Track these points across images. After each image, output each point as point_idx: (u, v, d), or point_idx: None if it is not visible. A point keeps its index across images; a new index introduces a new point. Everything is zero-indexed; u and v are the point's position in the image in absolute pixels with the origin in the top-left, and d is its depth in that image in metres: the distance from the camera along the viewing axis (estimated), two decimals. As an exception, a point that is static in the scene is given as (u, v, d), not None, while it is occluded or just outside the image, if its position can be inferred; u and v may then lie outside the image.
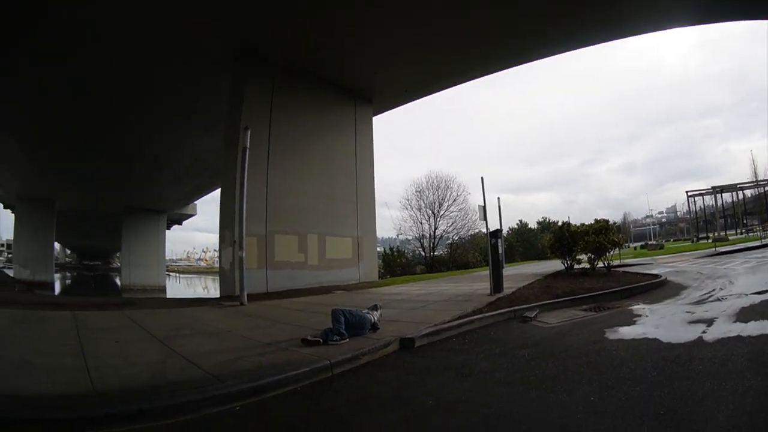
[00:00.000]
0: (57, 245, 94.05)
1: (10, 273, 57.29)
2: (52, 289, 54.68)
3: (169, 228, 74.77)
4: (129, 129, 32.84)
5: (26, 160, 40.87)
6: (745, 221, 78.06)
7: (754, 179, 75.43)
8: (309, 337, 8.26)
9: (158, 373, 6.07)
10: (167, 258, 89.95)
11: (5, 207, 65.01)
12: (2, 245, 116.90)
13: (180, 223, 79.73)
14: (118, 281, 79.55)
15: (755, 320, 7.59)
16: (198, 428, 4.76)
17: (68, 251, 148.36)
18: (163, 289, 65.58)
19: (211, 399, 5.28)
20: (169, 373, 6.14)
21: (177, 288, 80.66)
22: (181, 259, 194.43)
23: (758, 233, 43.44)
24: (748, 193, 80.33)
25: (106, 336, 8.64)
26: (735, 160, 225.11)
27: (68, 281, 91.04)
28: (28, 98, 27.03)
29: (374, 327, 9.27)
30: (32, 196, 54.21)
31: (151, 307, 14.15)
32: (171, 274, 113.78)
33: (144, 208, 64.54)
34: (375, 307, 9.96)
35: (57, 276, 76.08)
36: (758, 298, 9.65)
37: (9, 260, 78.96)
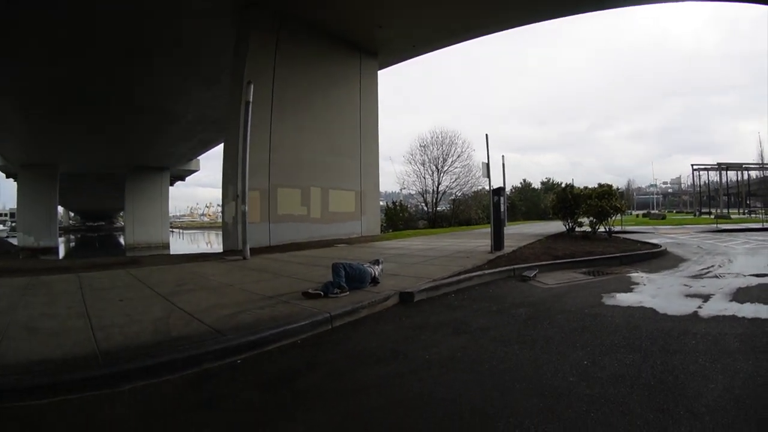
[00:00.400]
0: (60, 209, 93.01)
1: (14, 242, 57.00)
2: (57, 253, 54.52)
3: (172, 185, 74.34)
4: (133, 83, 32.33)
5: (28, 126, 40.55)
6: (748, 202, 77.85)
7: (760, 161, 75.12)
8: (310, 290, 8.33)
9: (161, 330, 6.15)
10: (171, 215, 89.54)
11: (8, 176, 64.52)
12: (5, 214, 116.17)
13: (183, 179, 79.30)
14: (122, 240, 79.83)
15: (751, 302, 7.60)
16: (199, 382, 4.81)
17: (72, 214, 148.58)
18: (167, 246, 65.51)
19: (212, 353, 5.38)
20: (172, 328, 6.21)
21: (181, 244, 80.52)
22: (184, 215, 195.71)
23: (760, 215, 43.21)
24: (753, 174, 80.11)
25: (110, 295, 8.67)
26: (742, 140, 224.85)
27: (72, 244, 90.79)
28: (30, 54, 26.51)
29: (374, 281, 9.36)
30: (35, 162, 53.73)
31: (155, 264, 14.10)
32: (175, 230, 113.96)
33: (147, 165, 64.15)
34: (376, 262, 10.04)
35: (61, 240, 75.82)
36: (755, 281, 9.64)
37: (13, 228, 78.22)
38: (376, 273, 9.55)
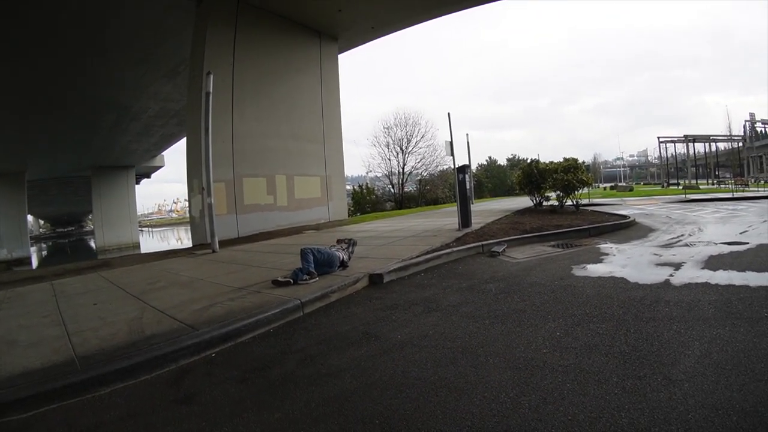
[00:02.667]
0: (30, 217, 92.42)
1: None
2: (30, 263, 53.54)
3: (138, 183, 74.36)
4: (91, 81, 32.00)
5: None
6: (717, 173, 78.99)
7: (728, 133, 76.34)
8: (279, 278, 8.30)
9: (135, 330, 6.08)
10: (139, 213, 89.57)
11: None
12: None
13: (149, 177, 79.58)
14: (93, 244, 79.10)
15: (723, 269, 7.58)
16: (176, 379, 4.76)
17: (41, 222, 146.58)
18: (138, 246, 65.44)
19: (186, 349, 5.33)
20: (146, 327, 6.15)
21: (151, 243, 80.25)
22: (153, 213, 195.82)
23: (730, 186, 43.78)
24: (722, 146, 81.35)
25: (84, 300, 8.54)
26: (708, 113, 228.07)
27: (44, 253, 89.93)
28: None
29: (343, 264, 9.34)
30: (1, 171, 53.08)
31: (126, 265, 13.93)
32: (144, 229, 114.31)
33: (112, 165, 63.90)
34: (350, 243, 10.08)
35: (33, 249, 75.20)
36: (727, 248, 9.64)
37: None
38: (345, 257, 9.51)
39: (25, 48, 25.42)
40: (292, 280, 8.19)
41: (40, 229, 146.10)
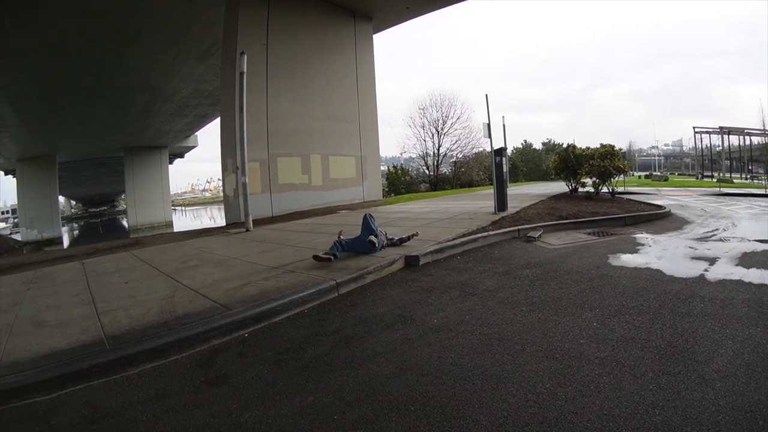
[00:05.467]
0: (61, 198, 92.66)
1: (18, 237, 57.17)
2: (61, 243, 54.59)
3: (171, 163, 74.64)
4: (125, 63, 32.11)
5: (19, 118, 40.45)
6: (750, 167, 77.56)
7: (762, 127, 74.95)
8: (321, 254, 8.35)
9: (167, 308, 6.16)
10: (172, 193, 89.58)
11: (6, 173, 65.22)
12: (7, 211, 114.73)
13: (182, 156, 79.72)
14: (125, 223, 79.50)
15: (757, 268, 7.50)
16: (207, 360, 4.83)
17: (73, 202, 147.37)
18: (171, 225, 65.99)
19: (218, 329, 5.41)
20: (178, 306, 6.22)
21: (184, 221, 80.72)
22: (186, 192, 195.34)
23: (763, 181, 42.98)
24: (756, 140, 79.86)
25: (115, 279, 8.66)
26: (742, 104, 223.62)
27: (76, 232, 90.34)
28: (19, 47, 26.54)
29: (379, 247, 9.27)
30: (32, 155, 54.02)
31: (159, 243, 14.07)
32: (177, 208, 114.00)
33: (145, 146, 64.37)
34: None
35: (65, 229, 75.83)
36: (760, 246, 9.50)
37: (15, 224, 77.75)
38: (384, 240, 9.53)
39: (53, 35, 25.71)
40: (332, 257, 8.27)
41: (72, 210, 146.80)
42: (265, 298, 6.30)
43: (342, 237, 9.21)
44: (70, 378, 4.37)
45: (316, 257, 8.30)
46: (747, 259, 8.23)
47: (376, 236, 8.78)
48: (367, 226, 8.84)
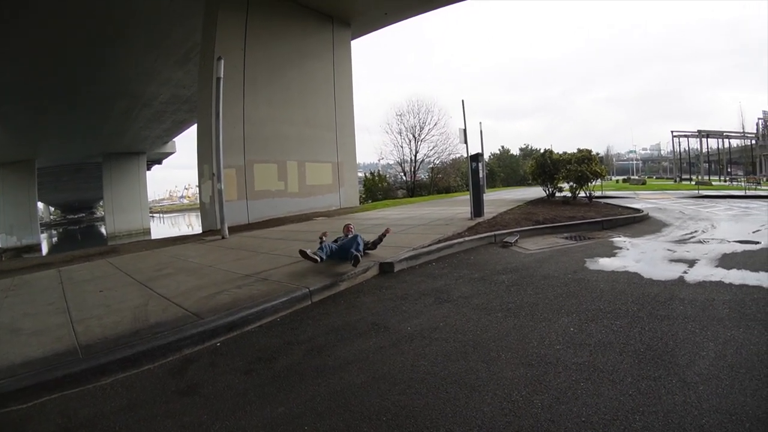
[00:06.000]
0: (40, 204, 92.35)
1: None
2: (40, 250, 53.95)
3: (149, 169, 74.21)
4: (103, 68, 31.91)
5: (1, 121, 39.96)
6: (729, 170, 78.72)
7: (742, 130, 76.04)
8: (308, 252, 8.21)
9: (140, 317, 6.06)
10: (150, 199, 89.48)
11: None
12: None
13: (160, 163, 79.47)
14: (103, 230, 79.14)
15: (737, 269, 7.49)
16: (179, 370, 4.73)
17: (52, 209, 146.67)
18: (148, 232, 65.70)
19: (190, 338, 5.31)
20: (151, 315, 6.12)
21: (162, 228, 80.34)
22: (163, 199, 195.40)
23: (742, 183, 43.49)
24: (734, 143, 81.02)
25: (90, 287, 8.52)
26: (721, 109, 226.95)
27: (55, 239, 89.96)
28: None
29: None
30: (11, 160, 52.95)
31: (134, 251, 13.93)
32: (155, 215, 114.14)
33: (123, 152, 63.90)
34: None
35: (44, 236, 75.45)
36: (740, 247, 9.55)
37: None
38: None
39: (35, 38, 25.45)
40: (319, 259, 8.16)
41: (51, 216, 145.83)
42: (237, 306, 6.20)
43: (325, 239, 9.18)
44: (45, 387, 4.32)
45: (302, 253, 8.20)
46: (727, 260, 8.22)
47: (361, 255, 8.60)
48: (357, 241, 8.67)
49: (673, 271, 7.45)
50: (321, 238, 9.34)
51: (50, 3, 21.94)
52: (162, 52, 30.69)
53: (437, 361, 4.40)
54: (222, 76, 15.62)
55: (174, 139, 67.23)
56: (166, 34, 27.79)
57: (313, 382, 4.16)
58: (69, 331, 5.67)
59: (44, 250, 57.32)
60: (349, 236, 9.02)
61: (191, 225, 74.23)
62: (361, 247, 8.52)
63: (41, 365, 4.62)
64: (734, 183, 52.08)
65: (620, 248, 10.04)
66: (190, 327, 5.47)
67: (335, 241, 9.01)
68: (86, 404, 4.08)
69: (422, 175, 54.59)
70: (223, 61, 15.80)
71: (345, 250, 8.47)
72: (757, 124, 78.79)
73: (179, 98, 41.19)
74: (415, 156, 52.32)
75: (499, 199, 26.44)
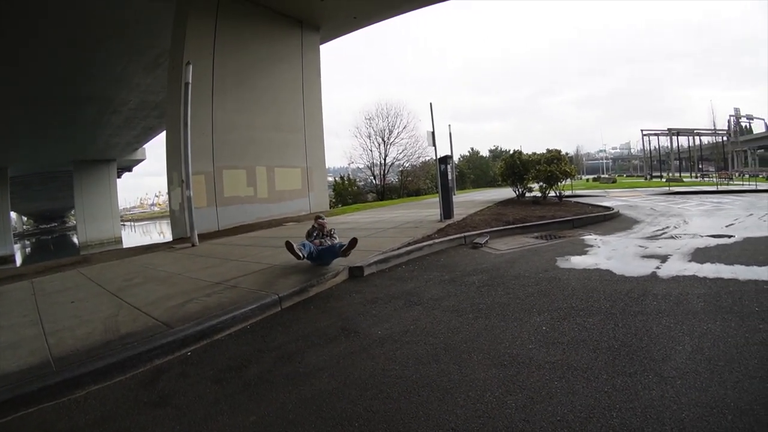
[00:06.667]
0: (13, 214, 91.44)
1: None
2: (14, 261, 52.98)
3: (119, 176, 73.30)
4: (72, 73, 31.64)
5: None
6: (700, 166, 79.68)
7: (713, 128, 77.09)
8: (295, 247, 8.14)
9: (111, 328, 5.97)
10: (121, 208, 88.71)
11: None
12: None
13: (130, 170, 78.84)
14: (76, 240, 78.21)
15: (711, 262, 7.50)
16: (150, 380, 4.66)
17: (24, 218, 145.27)
18: (120, 241, 64.74)
19: (160, 348, 5.23)
20: (121, 325, 6.04)
21: (133, 237, 79.40)
22: (135, 207, 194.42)
23: (713, 179, 43.99)
24: (705, 140, 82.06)
25: (62, 298, 8.43)
26: (692, 108, 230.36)
27: (28, 250, 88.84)
28: None
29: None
30: None
31: (105, 261, 13.77)
32: (126, 223, 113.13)
33: (93, 159, 63.14)
34: (332, 232, 9.68)
35: (17, 246, 74.14)
36: (714, 241, 9.59)
37: None
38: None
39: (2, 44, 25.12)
40: (303, 255, 8.19)
41: (24, 226, 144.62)
42: (207, 315, 6.13)
43: (317, 225, 9.28)
44: (22, 401, 4.30)
45: (288, 244, 8.12)
46: (700, 255, 8.24)
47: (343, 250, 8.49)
48: (336, 248, 8.54)
49: (645, 267, 7.45)
50: (314, 226, 9.35)
51: (17, 7, 21.69)
52: (132, 58, 30.46)
53: (408, 364, 4.34)
54: (190, 81, 15.49)
55: (144, 146, 66.79)
56: (135, 39, 27.50)
57: (284, 390, 4.10)
58: (42, 344, 5.62)
59: (18, 260, 56.54)
60: (327, 242, 8.96)
61: (162, 233, 73.80)
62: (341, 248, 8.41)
63: (18, 379, 4.58)
64: (706, 179, 52.66)
65: (591, 246, 10.05)
66: (160, 337, 5.41)
67: (310, 234, 9.07)
68: (62, 418, 4.04)
69: (392, 178, 54.48)
70: (191, 66, 15.67)
71: (324, 256, 8.49)
72: (729, 121, 79.94)
73: (148, 104, 40.92)
74: (385, 159, 52.29)
75: (469, 200, 26.47)
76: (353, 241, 8.26)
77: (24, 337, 5.99)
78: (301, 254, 8.12)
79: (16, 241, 76.13)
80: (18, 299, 8.86)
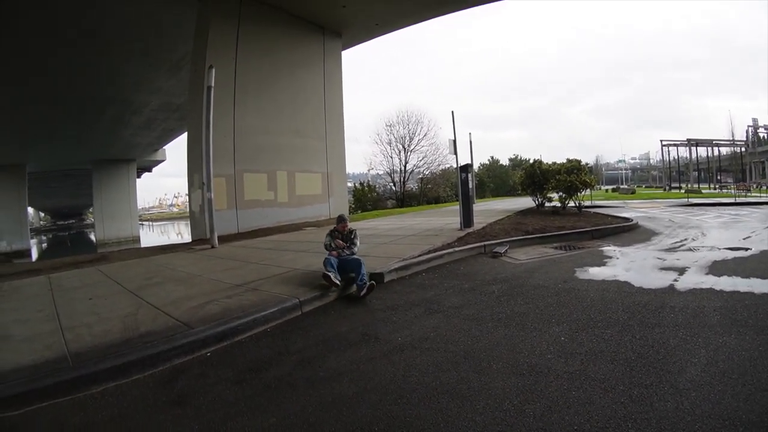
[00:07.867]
0: (30, 210, 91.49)
1: None
2: (30, 255, 53.16)
3: (139, 176, 72.95)
4: (93, 76, 31.79)
5: None
6: (719, 177, 78.99)
7: (731, 138, 76.44)
8: (331, 276, 7.66)
9: (130, 326, 6.00)
10: (140, 207, 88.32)
11: None
12: None
13: (150, 170, 78.44)
14: (93, 237, 78.50)
15: (728, 275, 7.53)
16: (169, 379, 4.69)
17: (42, 214, 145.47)
18: (138, 240, 64.69)
19: (180, 348, 5.30)
20: (141, 324, 6.07)
21: (151, 237, 79.66)
22: (153, 207, 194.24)
23: (732, 191, 43.58)
24: (724, 150, 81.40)
25: (80, 295, 8.47)
26: (709, 117, 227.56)
27: (45, 245, 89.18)
28: None
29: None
30: (1, 164, 52.51)
31: (124, 259, 13.78)
32: (144, 223, 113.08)
33: (113, 158, 63.08)
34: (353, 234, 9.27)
35: (33, 241, 74.60)
36: (731, 254, 9.60)
37: None
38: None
39: (26, 47, 25.39)
40: (338, 282, 7.76)
41: (41, 222, 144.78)
42: (227, 316, 6.16)
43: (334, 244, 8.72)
44: (37, 394, 4.30)
45: (326, 276, 7.67)
46: (718, 268, 8.25)
47: (366, 285, 8.28)
48: (361, 269, 8.25)
49: (663, 280, 7.46)
50: (330, 235, 8.78)
51: (40, 11, 21.83)
52: (153, 61, 30.53)
53: (428, 371, 4.37)
54: (213, 84, 15.61)
55: (164, 147, 66.66)
56: (156, 42, 27.66)
57: (304, 393, 4.12)
58: (59, 339, 5.64)
59: (34, 255, 56.60)
60: (349, 255, 8.54)
61: (180, 233, 73.77)
62: (365, 276, 8.03)
63: (32, 372, 4.60)
64: (724, 190, 52.18)
65: (610, 257, 10.05)
66: (180, 337, 5.44)
67: (330, 234, 8.78)
68: (77, 413, 4.05)
69: (412, 185, 54.42)
70: (214, 70, 15.75)
71: (344, 268, 8.24)
72: (747, 132, 79.21)
73: (170, 106, 40.90)
74: (405, 166, 52.20)
75: (489, 209, 26.38)
76: (371, 286, 8.10)
77: (40, 331, 6.07)
78: (337, 281, 7.77)
79: (33, 236, 76.59)
80: (35, 294, 8.99)
